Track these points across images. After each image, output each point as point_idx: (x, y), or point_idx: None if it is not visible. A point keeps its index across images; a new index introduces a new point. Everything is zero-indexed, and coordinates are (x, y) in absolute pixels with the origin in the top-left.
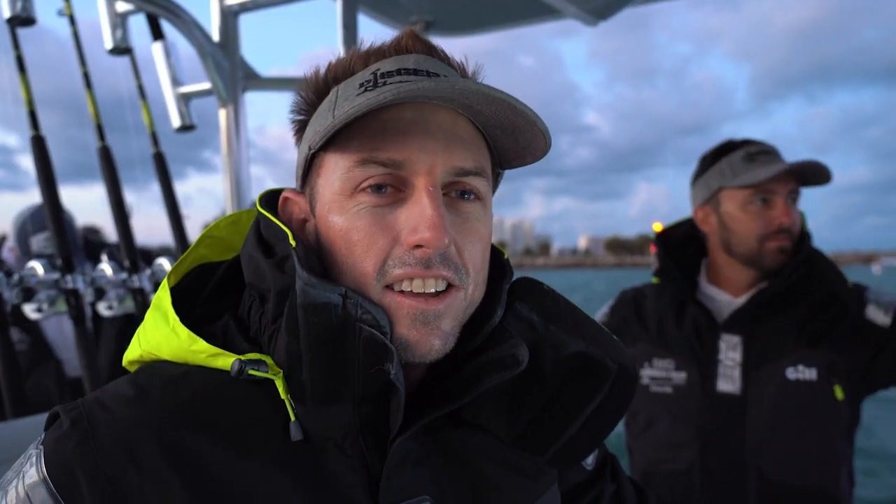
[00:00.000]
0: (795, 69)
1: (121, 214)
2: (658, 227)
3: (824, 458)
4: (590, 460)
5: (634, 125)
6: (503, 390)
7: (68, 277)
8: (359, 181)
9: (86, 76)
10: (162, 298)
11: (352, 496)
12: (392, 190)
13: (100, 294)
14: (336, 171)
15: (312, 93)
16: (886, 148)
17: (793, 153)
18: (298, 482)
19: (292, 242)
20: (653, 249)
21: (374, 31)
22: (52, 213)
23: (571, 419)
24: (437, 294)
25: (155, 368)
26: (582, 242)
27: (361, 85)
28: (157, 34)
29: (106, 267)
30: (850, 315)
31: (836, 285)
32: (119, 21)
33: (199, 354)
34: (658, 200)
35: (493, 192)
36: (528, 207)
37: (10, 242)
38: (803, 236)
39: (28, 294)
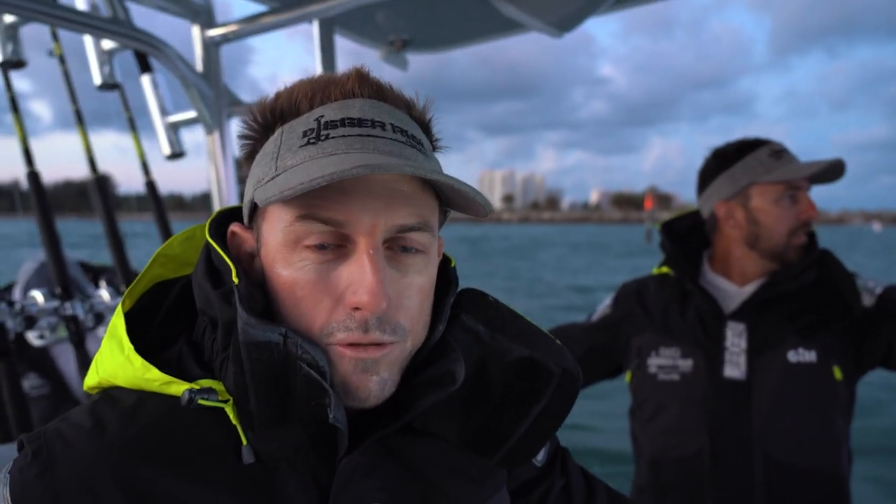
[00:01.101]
0: (817, 21)
1: (116, 241)
2: (649, 200)
3: (826, 437)
4: (540, 457)
5: (650, 78)
6: (453, 398)
7: (67, 304)
8: (301, 236)
9: (77, 113)
10: (116, 326)
11: None
12: (333, 247)
13: (99, 319)
14: (279, 222)
15: (260, 123)
16: None
17: (812, 109)
18: (253, 501)
19: (235, 280)
20: (648, 205)
21: (351, 52)
22: (49, 241)
23: (519, 422)
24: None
25: (111, 397)
26: (594, 197)
27: (304, 134)
28: (145, 67)
29: (104, 293)
30: (851, 312)
31: (846, 288)
32: (106, 58)
33: (153, 382)
34: (672, 155)
35: (441, 227)
36: (540, 160)
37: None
38: (811, 234)
39: (30, 322)
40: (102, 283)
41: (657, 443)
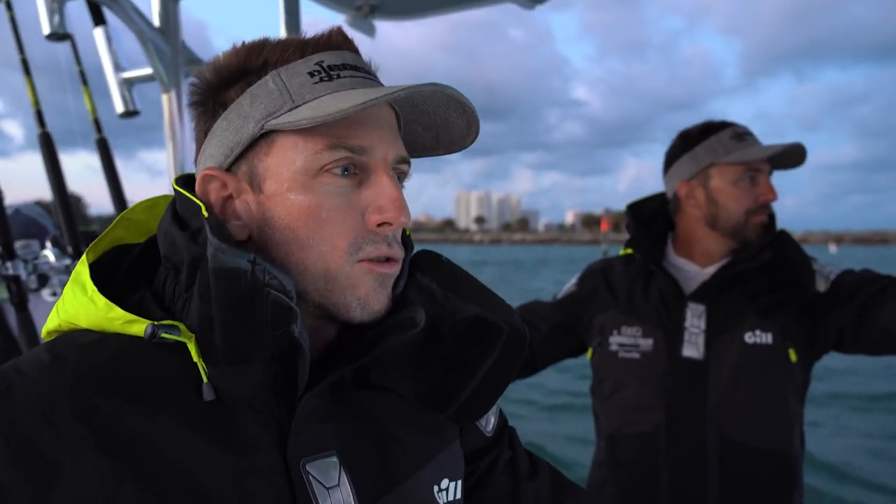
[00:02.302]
0: (786, 45)
1: (63, 200)
2: (605, 221)
3: (779, 417)
4: (489, 428)
5: (624, 100)
6: (406, 354)
7: (8, 264)
8: (325, 163)
9: (24, 62)
10: (80, 272)
11: (262, 450)
12: (353, 173)
13: (43, 281)
14: (298, 152)
15: (237, 71)
16: (874, 127)
17: (782, 131)
18: (211, 440)
19: (205, 213)
20: (603, 227)
21: (317, 16)
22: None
23: (469, 377)
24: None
25: (72, 336)
26: (570, 217)
27: (312, 74)
28: (99, 20)
29: (49, 253)
30: (806, 293)
31: (802, 268)
32: (57, 6)
33: (116, 321)
34: (646, 176)
35: None
36: (515, 181)
37: None
38: (771, 216)
39: None
40: (48, 244)
41: (616, 419)
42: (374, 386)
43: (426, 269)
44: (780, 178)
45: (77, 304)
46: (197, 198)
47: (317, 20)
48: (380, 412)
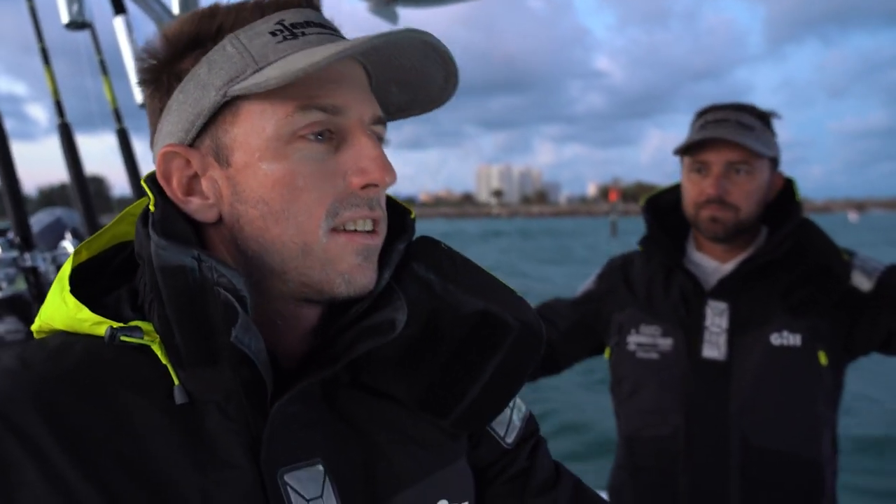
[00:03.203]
0: (811, 11)
1: (83, 191)
2: (613, 192)
3: (805, 422)
4: (510, 439)
5: (646, 70)
6: (402, 353)
7: (26, 255)
8: (298, 127)
9: (44, 51)
10: (63, 271)
11: (234, 459)
12: (330, 135)
13: None
14: (266, 118)
15: (190, 39)
16: None
17: (809, 98)
18: (183, 445)
19: (151, 207)
20: (612, 198)
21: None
22: (8, 189)
23: (473, 379)
24: (371, 230)
25: (43, 339)
26: (591, 189)
27: (274, 34)
28: (119, 8)
29: (68, 245)
30: (840, 286)
31: (829, 257)
32: None
33: (85, 323)
34: (669, 147)
35: None
36: (537, 154)
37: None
38: (793, 206)
39: None
40: (68, 235)
41: (634, 421)
42: (367, 387)
43: (423, 257)
44: (805, 148)
45: (53, 305)
46: (153, 184)
47: (339, 8)
48: (370, 420)
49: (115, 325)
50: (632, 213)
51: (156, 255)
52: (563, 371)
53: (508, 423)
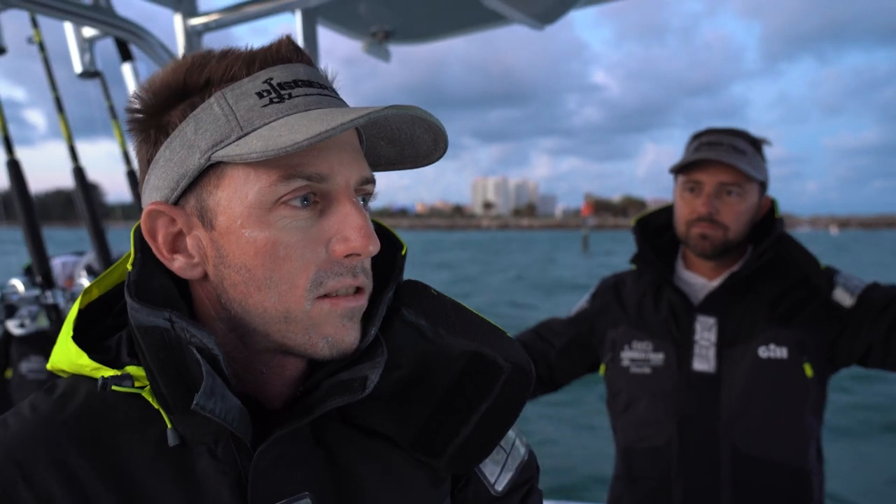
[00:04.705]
0: (807, 28)
1: (98, 231)
2: (586, 207)
3: (793, 432)
4: (500, 486)
5: (643, 85)
6: (394, 393)
7: (48, 293)
8: (281, 195)
9: (57, 101)
10: (70, 314)
11: (222, 498)
12: (313, 202)
13: None
14: (250, 184)
15: (177, 90)
16: None
17: (804, 115)
18: (174, 485)
19: (128, 267)
20: (585, 212)
21: (334, 43)
22: (30, 232)
23: (464, 420)
24: (355, 292)
25: (52, 384)
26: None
27: (261, 95)
28: (126, 55)
29: (85, 282)
30: (820, 296)
31: (808, 267)
32: (87, 46)
33: (85, 368)
34: (665, 161)
35: None
36: (534, 167)
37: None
38: (773, 222)
39: (11, 311)
40: (83, 273)
41: (630, 434)
42: (358, 426)
43: (412, 303)
44: (800, 164)
45: (59, 349)
46: (138, 240)
47: (334, 48)
48: (358, 457)
49: (108, 373)
50: (618, 227)
51: (132, 316)
52: (561, 388)
53: (502, 467)
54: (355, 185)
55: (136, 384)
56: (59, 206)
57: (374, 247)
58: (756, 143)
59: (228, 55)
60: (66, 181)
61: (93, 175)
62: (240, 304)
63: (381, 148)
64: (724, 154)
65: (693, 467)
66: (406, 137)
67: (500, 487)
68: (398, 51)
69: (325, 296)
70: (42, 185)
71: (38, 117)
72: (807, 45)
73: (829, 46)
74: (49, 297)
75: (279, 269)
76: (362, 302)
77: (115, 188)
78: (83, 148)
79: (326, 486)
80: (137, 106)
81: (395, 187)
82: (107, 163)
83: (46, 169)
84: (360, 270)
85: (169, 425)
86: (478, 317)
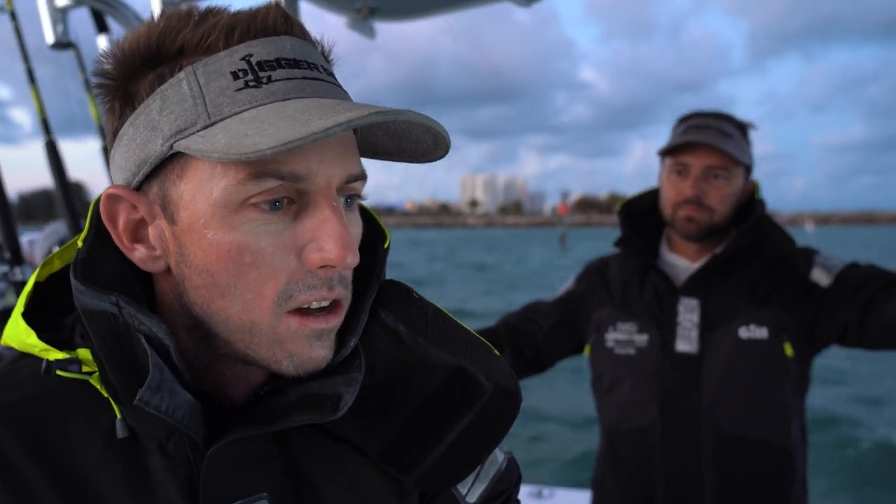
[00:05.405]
0: (793, 25)
1: (71, 208)
2: (562, 205)
3: (774, 411)
4: (472, 498)
5: (631, 82)
6: (365, 401)
7: (17, 269)
8: (250, 194)
9: (30, 72)
10: (27, 286)
11: (171, 498)
12: (287, 203)
13: None
14: (215, 180)
15: (148, 55)
16: (884, 106)
17: (790, 111)
18: (123, 481)
19: (79, 243)
20: (561, 210)
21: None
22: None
23: (438, 439)
24: (330, 308)
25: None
26: (574, 199)
27: (236, 76)
28: (102, 27)
29: None
30: (798, 276)
31: (784, 246)
32: (59, 15)
33: (34, 348)
34: (652, 158)
35: None
36: (522, 164)
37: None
38: (753, 204)
39: None
40: (55, 248)
41: (614, 414)
42: (326, 431)
43: (392, 307)
44: (787, 160)
45: (11, 324)
46: (95, 217)
47: (316, 23)
48: (320, 463)
49: (56, 355)
50: (602, 225)
51: (77, 298)
52: (547, 370)
53: (475, 477)
54: (339, 185)
55: (85, 369)
56: (43, 207)
57: (353, 259)
58: (742, 128)
59: (208, 19)
60: (51, 181)
61: (77, 175)
62: (202, 307)
63: (378, 138)
64: (712, 137)
65: (676, 448)
66: (403, 132)
67: (471, 500)
68: (386, 49)
69: (297, 310)
70: (26, 185)
71: (23, 116)
72: (793, 42)
73: (815, 43)
74: (18, 274)
75: (244, 277)
76: (336, 322)
77: (100, 189)
78: (67, 147)
79: (286, 488)
80: (106, 68)
81: (384, 186)
82: (91, 162)
83: (31, 169)
84: (338, 282)
85: (118, 415)
86: (462, 328)
